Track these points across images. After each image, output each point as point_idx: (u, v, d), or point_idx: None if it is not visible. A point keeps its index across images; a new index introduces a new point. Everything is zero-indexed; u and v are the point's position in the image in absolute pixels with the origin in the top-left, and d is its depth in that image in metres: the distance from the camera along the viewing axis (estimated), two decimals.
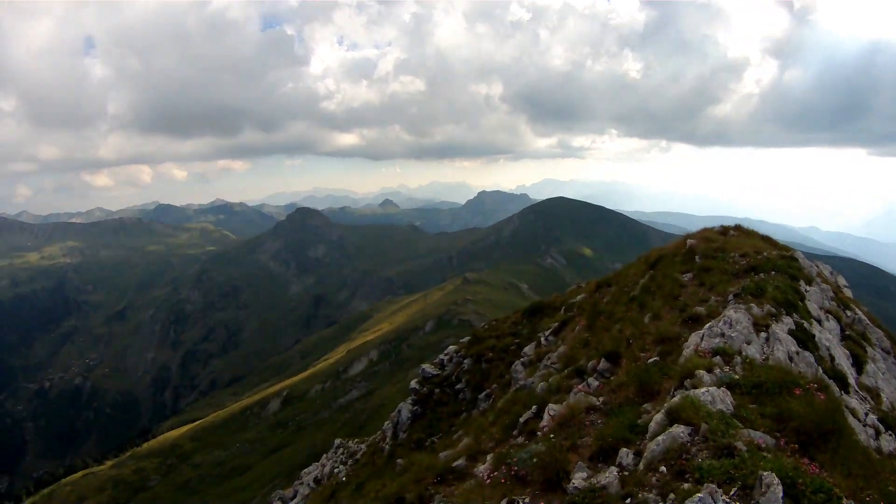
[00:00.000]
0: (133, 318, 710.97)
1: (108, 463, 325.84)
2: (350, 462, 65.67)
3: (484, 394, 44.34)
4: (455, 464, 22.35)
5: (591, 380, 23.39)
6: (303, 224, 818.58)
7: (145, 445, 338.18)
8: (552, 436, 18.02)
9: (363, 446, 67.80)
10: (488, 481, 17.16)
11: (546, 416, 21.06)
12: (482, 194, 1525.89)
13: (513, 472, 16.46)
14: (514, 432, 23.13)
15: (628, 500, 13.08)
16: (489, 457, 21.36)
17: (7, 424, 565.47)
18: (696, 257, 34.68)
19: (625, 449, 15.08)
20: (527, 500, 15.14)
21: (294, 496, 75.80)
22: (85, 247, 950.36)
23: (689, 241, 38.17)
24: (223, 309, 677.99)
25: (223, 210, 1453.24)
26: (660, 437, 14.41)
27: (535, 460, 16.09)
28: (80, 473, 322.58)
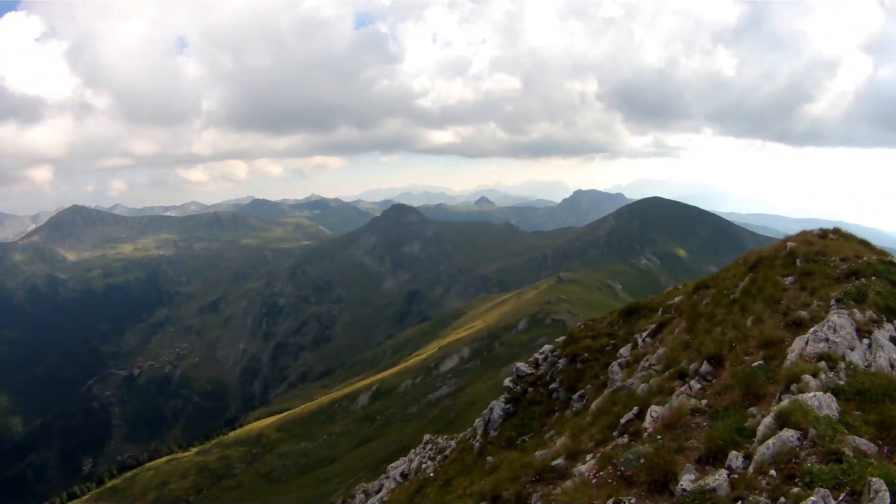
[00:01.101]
0: (226, 310, 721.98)
1: (193, 450, 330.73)
2: (438, 458, 65.61)
3: (578, 394, 44.04)
4: (554, 463, 22.22)
5: (692, 382, 23.12)
6: (398, 220, 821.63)
7: (231, 434, 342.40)
8: (659, 437, 17.88)
9: (453, 443, 67.71)
10: (594, 481, 17.03)
11: (648, 418, 20.88)
12: (578, 193, 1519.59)
13: (619, 473, 16.33)
14: (615, 433, 22.95)
15: (738, 503, 12.96)
16: (589, 456, 21.24)
17: (94, 409, 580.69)
18: (797, 261, 34.10)
19: (734, 452, 14.90)
20: (633, 500, 15.00)
21: (379, 490, 75.97)
22: (179, 239, 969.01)
23: (789, 244, 37.58)
24: (316, 303, 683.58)
25: (318, 205, 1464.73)
26: (769, 441, 14.24)
27: (641, 461, 15.96)
28: (164, 459, 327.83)
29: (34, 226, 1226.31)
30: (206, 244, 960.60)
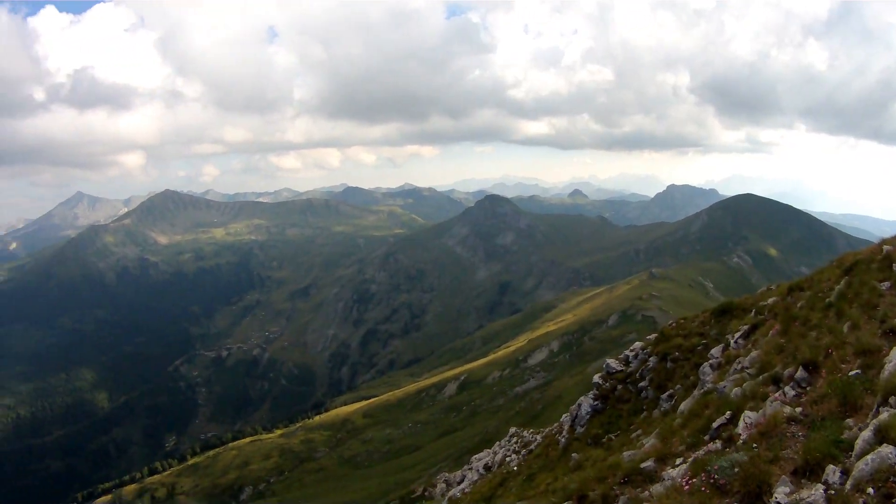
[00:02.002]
0: (317, 296, 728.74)
1: (278, 432, 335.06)
2: (523, 452, 65.47)
3: (667, 394, 43.53)
4: (643, 465, 21.95)
5: (787, 388, 22.64)
6: (492, 211, 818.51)
7: (317, 418, 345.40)
8: (754, 445, 17.50)
9: (538, 437, 67.50)
10: (686, 487, 16.72)
11: (742, 424, 20.48)
12: (671, 188, 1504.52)
13: (712, 481, 16.02)
14: (706, 437, 22.58)
15: None
16: (679, 460, 20.95)
17: (180, 388, 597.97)
18: (894, 265, 33.38)
19: (832, 466, 14.48)
20: None
21: (461, 480, 76.17)
22: (271, 225, 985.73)
23: (885, 248, 36.71)
24: (408, 291, 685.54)
25: (412, 194, 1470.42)
26: (868, 457, 13.81)
27: (736, 470, 15.63)
28: (247, 439, 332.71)
29: (126, 209, 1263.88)
30: (299, 230, 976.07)
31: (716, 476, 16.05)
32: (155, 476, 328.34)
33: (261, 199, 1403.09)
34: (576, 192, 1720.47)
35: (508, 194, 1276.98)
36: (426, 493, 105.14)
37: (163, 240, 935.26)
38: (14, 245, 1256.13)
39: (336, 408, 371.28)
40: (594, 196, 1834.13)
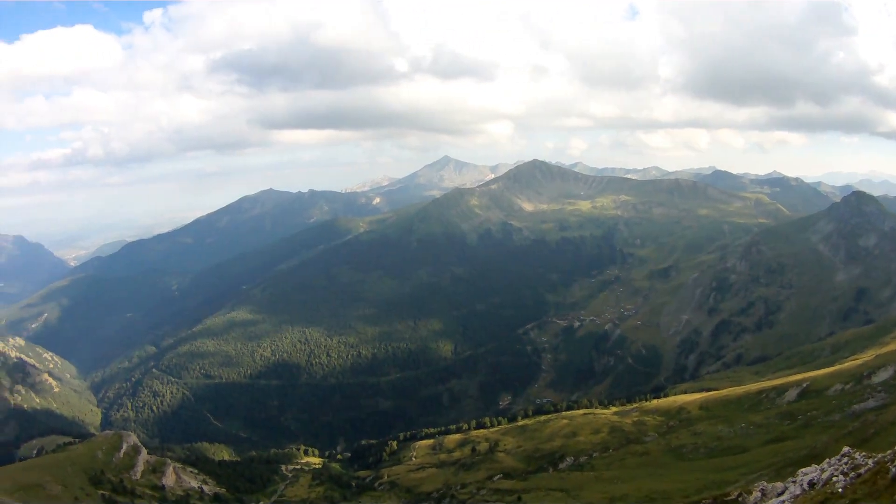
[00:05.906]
0: (676, 278, 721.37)
1: (613, 409, 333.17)
2: (852, 475, 62.21)
3: None
4: None
5: None
6: (858, 209, 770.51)
7: (654, 402, 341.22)
8: None
9: (871, 462, 64.14)
10: None
11: None
12: None
13: None
14: None
15: None
16: None
17: (526, 351, 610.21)
18: None
19: None
20: None
21: (781, 493, 73.02)
22: (637, 202, 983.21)
23: None
24: (767, 285, 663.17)
25: (778, 183, 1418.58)
26: None
27: None
28: (581, 411, 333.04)
29: (492, 175, 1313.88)
30: (665, 210, 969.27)
31: None
32: (481, 430, 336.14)
33: (629, 176, 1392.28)
34: None
35: (875, 192, 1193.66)
36: (739, 499, 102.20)
37: (528, 207, 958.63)
38: (377, 200, 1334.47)
39: (675, 394, 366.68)
40: None
